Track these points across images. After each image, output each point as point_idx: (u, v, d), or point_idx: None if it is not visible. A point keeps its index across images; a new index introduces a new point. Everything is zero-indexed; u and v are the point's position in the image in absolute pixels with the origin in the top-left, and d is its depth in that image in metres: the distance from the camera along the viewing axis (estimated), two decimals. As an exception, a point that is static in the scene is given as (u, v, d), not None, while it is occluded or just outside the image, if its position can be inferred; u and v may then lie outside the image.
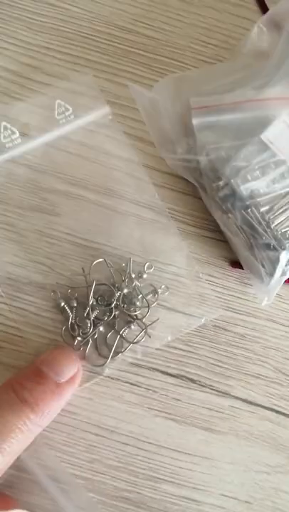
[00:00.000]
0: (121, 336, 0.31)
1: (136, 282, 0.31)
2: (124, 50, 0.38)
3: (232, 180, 0.31)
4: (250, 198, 0.31)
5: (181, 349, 0.32)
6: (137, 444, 0.30)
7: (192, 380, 0.32)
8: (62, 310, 0.31)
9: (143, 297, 0.31)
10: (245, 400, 0.32)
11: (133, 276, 0.32)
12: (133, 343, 0.31)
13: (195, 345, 0.32)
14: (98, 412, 0.30)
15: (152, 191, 0.34)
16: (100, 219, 0.34)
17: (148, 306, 0.31)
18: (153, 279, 0.33)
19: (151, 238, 0.34)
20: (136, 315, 0.31)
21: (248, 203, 0.31)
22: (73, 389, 0.28)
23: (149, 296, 0.32)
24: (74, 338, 0.30)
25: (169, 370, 0.32)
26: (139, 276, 0.32)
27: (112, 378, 0.31)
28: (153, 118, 0.34)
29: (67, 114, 0.34)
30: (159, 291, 0.32)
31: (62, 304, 0.31)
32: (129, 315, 0.31)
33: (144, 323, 0.31)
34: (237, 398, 0.32)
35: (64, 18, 0.38)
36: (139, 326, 0.31)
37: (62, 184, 0.34)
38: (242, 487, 0.31)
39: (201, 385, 0.32)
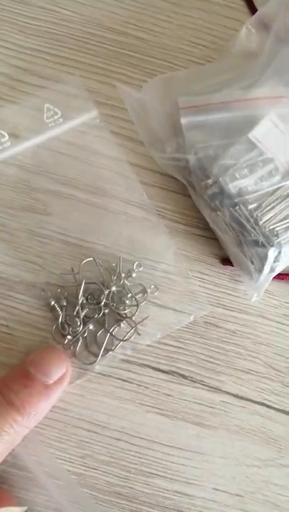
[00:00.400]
0: (111, 333, 0.31)
1: (125, 281, 0.32)
2: (114, 51, 0.38)
3: (220, 179, 0.31)
4: (238, 196, 0.31)
5: (172, 345, 0.33)
6: (128, 440, 0.31)
7: (183, 376, 0.32)
8: (52, 309, 0.31)
9: (132, 296, 0.31)
10: (236, 395, 0.32)
11: (123, 275, 0.32)
12: (123, 341, 0.31)
13: (186, 341, 0.33)
14: (90, 408, 0.31)
15: (141, 190, 0.35)
16: (90, 218, 0.34)
17: (137, 305, 0.31)
18: (143, 277, 0.33)
19: (141, 236, 0.34)
20: (125, 313, 0.31)
21: (236, 200, 0.31)
22: (62, 389, 0.28)
23: (139, 295, 0.32)
24: (64, 336, 0.31)
25: (161, 366, 0.32)
26: (129, 275, 0.32)
27: (104, 375, 0.31)
28: (142, 118, 0.34)
29: (56, 117, 0.34)
30: (148, 290, 0.32)
31: (53, 302, 0.31)
32: (118, 313, 0.31)
33: (133, 321, 0.31)
34: (228, 393, 0.32)
35: (55, 21, 0.38)
36: (128, 323, 0.31)
37: (53, 184, 0.34)
38: (233, 481, 0.31)
39: (193, 381, 0.32)
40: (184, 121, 0.33)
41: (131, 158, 0.35)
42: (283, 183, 0.31)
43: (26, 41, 0.38)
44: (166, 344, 0.33)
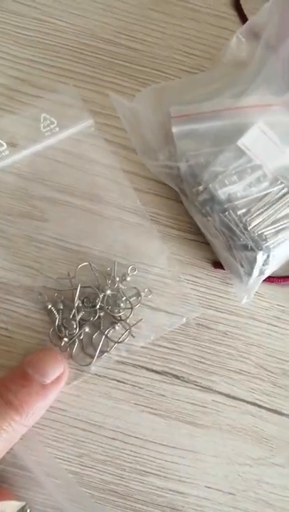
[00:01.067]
0: (106, 336, 0.32)
1: (119, 284, 0.33)
2: (108, 61, 0.39)
3: (210, 185, 0.32)
4: (227, 202, 0.32)
5: (165, 347, 0.34)
6: (123, 439, 0.32)
7: (176, 377, 0.33)
8: (50, 312, 0.32)
9: (127, 299, 0.32)
10: (227, 395, 0.33)
11: (117, 279, 0.33)
12: (117, 343, 0.32)
13: (179, 342, 0.34)
14: (86, 408, 0.32)
15: (134, 197, 0.36)
16: (86, 224, 0.35)
17: (131, 308, 0.32)
18: (138, 281, 0.34)
19: (135, 241, 0.35)
20: (120, 316, 0.32)
21: (225, 206, 0.32)
22: (59, 389, 0.29)
23: (133, 299, 0.33)
24: (61, 338, 0.32)
25: (154, 367, 0.33)
26: (123, 279, 0.33)
27: (100, 376, 0.32)
28: (134, 127, 0.35)
29: (52, 126, 0.35)
30: (142, 294, 0.33)
31: (50, 306, 0.32)
32: (113, 316, 0.32)
33: (128, 324, 0.32)
34: (220, 393, 0.33)
35: (50, 32, 0.40)
36: (123, 326, 0.32)
37: (50, 191, 0.35)
38: (226, 479, 0.32)
39: (185, 381, 0.33)
40: (175, 129, 0.34)
41: (125, 166, 0.36)
42: (271, 189, 0.32)
43: (22, 52, 0.39)
44: (159, 346, 0.33)
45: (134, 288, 0.33)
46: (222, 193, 0.32)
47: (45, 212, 0.35)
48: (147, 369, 0.33)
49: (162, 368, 0.33)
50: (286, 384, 0.34)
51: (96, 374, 0.32)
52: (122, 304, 0.32)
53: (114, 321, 0.32)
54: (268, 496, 0.32)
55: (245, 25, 0.39)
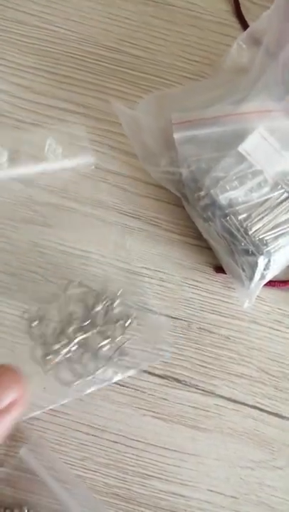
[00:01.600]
0: (93, 355, 0.31)
1: (110, 306, 0.32)
2: (111, 68, 0.40)
3: (212, 191, 0.33)
4: (229, 207, 0.32)
5: (168, 350, 0.34)
6: (126, 442, 0.32)
7: (178, 380, 0.33)
8: (34, 329, 0.32)
9: (117, 320, 0.32)
10: (229, 399, 0.33)
11: (107, 304, 0.33)
12: (105, 364, 0.31)
13: (181, 346, 0.34)
14: (89, 412, 0.32)
15: (136, 202, 0.36)
16: (89, 229, 0.35)
17: (121, 329, 0.32)
18: (141, 285, 0.34)
19: (138, 246, 0.36)
20: (108, 335, 0.32)
21: (227, 211, 0.32)
22: (13, 418, 0.23)
23: (121, 322, 0.32)
24: (46, 356, 0.31)
25: (156, 371, 0.33)
26: (113, 300, 0.33)
27: (103, 379, 0.33)
28: (136, 133, 0.36)
29: (56, 152, 0.36)
30: (129, 320, 0.33)
31: (35, 323, 0.32)
32: (102, 335, 0.32)
33: (116, 343, 0.32)
34: (222, 397, 0.33)
35: (52, 40, 0.40)
36: (111, 346, 0.32)
37: (54, 197, 0.36)
38: (228, 482, 0.32)
39: (187, 385, 0.33)
40: (176, 135, 0.34)
41: (126, 171, 0.37)
42: (272, 194, 0.33)
43: (25, 60, 0.39)
44: (161, 350, 0.34)
45: (123, 312, 0.33)
46: (223, 199, 0.32)
47: (48, 218, 0.35)
48: (149, 373, 0.33)
49: (164, 371, 0.33)
50: (287, 387, 0.34)
51: (97, 378, 0.33)
52: (112, 325, 0.32)
53: (102, 341, 0.32)
54: (270, 499, 0.32)
55: (245, 31, 0.39)
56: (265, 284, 0.34)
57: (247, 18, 0.43)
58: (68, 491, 0.30)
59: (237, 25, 0.43)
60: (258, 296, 0.35)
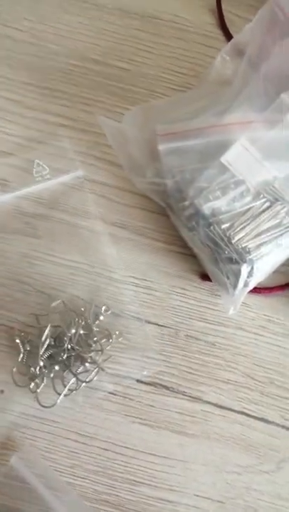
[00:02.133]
0: (75, 375, 0.32)
1: (92, 325, 0.33)
2: (98, 81, 0.41)
3: (195, 201, 0.33)
4: (212, 216, 0.33)
5: (155, 358, 0.34)
6: (115, 449, 0.33)
7: (166, 387, 0.34)
8: (18, 348, 0.32)
9: (97, 340, 0.32)
10: (216, 405, 0.34)
11: (89, 321, 0.33)
12: (86, 382, 0.32)
13: (168, 354, 0.35)
14: (78, 420, 0.33)
15: (123, 211, 0.37)
16: (77, 239, 0.36)
17: (101, 349, 0.32)
18: (128, 294, 0.35)
19: (126, 255, 0.36)
20: (90, 356, 0.32)
21: (210, 220, 0.33)
22: None
23: (104, 341, 0.33)
24: (26, 375, 0.32)
25: (144, 379, 0.34)
26: (97, 318, 0.33)
27: (92, 388, 0.33)
28: (122, 145, 0.36)
29: (44, 173, 0.36)
30: (114, 336, 0.33)
31: (17, 340, 0.32)
32: (83, 355, 0.32)
33: (97, 363, 0.32)
34: (208, 403, 0.34)
35: (42, 55, 0.41)
36: (93, 364, 0.32)
37: (43, 208, 0.37)
38: (214, 487, 0.33)
39: (175, 392, 0.34)
40: (161, 147, 0.35)
41: (113, 182, 0.38)
42: (254, 204, 0.33)
43: (16, 74, 0.40)
44: (149, 357, 0.34)
45: (106, 330, 0.33)
46: (207, 208, 0.33)
47: (38, 229, 0.36)
48: (137, 380, 0.34)
49: (152, 379, 0.34)
50: (273, 392, 0.35)
51: (88, 386, 0.33)
52: (93, 344, 0.32)
53: (84, 359, 0.32)
54: (257, 503, 0.33)
55: (229, 44, 0.40)
56: (251, 291, 0.35)
57: (231, 31, 0.44)
58: (59, 498, 0.30)
59: (222, 37, 0.44)
60: (243, 303, 0.36)
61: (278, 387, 0.35)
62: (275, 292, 0.36)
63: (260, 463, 0.33)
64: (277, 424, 0.34)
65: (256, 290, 0.35)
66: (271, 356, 0.35)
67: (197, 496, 0.32)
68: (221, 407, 0.34)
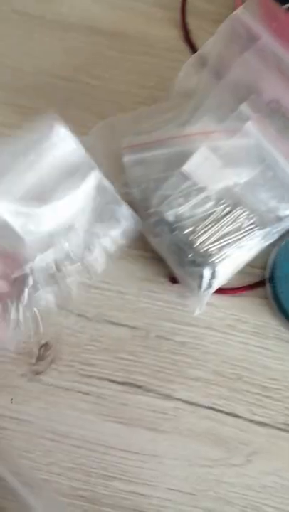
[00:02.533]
0: None
1: None
2: (67, 98, 0.43)
3: (159, 208, 0.35)
4: (175, 222, 0.35)
5: (126, 359, 0.36)
6: (89, 447, 0.34)
7: (138, 386, 0.36)
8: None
9: None
10: (186, 401, 0.36)
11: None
12: None
13: (139, 354, 0.36)
14: (53, 420, 0.34)
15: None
16: (50, 248, 0.38)
17: None
18: (98, 298, 0.37)
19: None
20: None
21: (174, 226, 0.35)
22: None
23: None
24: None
25: (117, 379, 0.36)
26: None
27: (66, 389, 0.35)
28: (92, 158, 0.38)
29: None
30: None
31: None
32: None
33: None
34: (179, 400, 0.36)
35: (13, 74, 0.43)
36: None
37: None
38: (186, 480, 0.34)
39: (146, 390, 0.36)
40: (125, 159, 0.37)
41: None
42: (215, 209, 0.35)
43: (-10, 94, 0.43)
44: (121, 358, 0.36)
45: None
46: (170, 215, 0.35)
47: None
48: (110, 380, 0.36)
49: (124, 379, 0.36)
50: (241, 388, 0.36)
51: (63, 387, 0.35)
52: None
53: None
54: (228, 495, 0.34)
55: (192, 56, 0.42)
56: (217, 292, 0.36)
57: (196, 45, 0.46)
58: (35, 494, 0.32)
59: (188, 51, 0.46)
60: (212, 304, 0.37)
61: (246, 382, 0.36)
62: (240, 292, 0.38)
63: (231, 456, 0.35)
64: (246, 419, 0.36)
65: (222, 291, 0.37)
66: (239, 354, 0.37)
67: (170, 489, 0.34)
68: (191, 403, 0.36)
